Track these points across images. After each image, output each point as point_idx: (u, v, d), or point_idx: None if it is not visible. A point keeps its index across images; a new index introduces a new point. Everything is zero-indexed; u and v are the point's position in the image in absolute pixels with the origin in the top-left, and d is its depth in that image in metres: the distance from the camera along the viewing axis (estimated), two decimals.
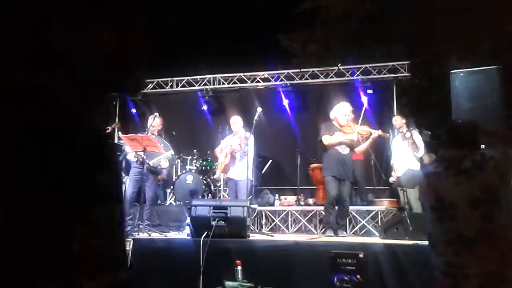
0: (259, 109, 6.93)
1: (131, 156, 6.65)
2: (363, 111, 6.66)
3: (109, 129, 8.07)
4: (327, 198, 6.14)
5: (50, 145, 0.74)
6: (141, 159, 6.44)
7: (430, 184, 2.56)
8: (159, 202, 8.44)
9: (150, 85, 10.24)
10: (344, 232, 6.14)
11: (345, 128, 6.16)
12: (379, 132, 6.21)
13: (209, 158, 8.07)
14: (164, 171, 8.59)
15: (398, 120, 6.95)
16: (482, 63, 5.50)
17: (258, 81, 9.80)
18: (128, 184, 6.65)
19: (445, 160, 2.56)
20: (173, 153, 7.06)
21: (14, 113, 0.73)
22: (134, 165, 6.64)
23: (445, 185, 2.47)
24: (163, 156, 6.68)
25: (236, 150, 6.83)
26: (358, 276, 4.13)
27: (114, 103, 10.25)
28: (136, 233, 5.91)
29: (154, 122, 6.90)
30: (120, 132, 7.91)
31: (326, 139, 6.08)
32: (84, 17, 0.83)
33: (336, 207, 6.06)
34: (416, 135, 6.64)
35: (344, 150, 6.07)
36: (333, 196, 5.96)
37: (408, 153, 6.72)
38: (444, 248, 2.45)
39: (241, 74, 9.84)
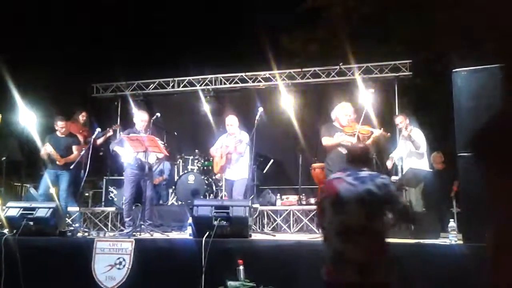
0: (261, 109, 6.91)
1: (126, 158, 6.59)
2: (364, 110, 6.63)
3: (111, 131, 8.09)
4: None
5: None
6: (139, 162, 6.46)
7: (334, 185, 3.14)
8: (161, 202, 8.45)
9: (151, 85, 10.26)
10: None
11: (346, 128, 6.13)
12: (381, 131, 6.19)
13: (211, 158, 8.07)
14: (165, 171, 8.61)
15: (400, 119, 6.92)
16: (484, 62, 5.47)
17: (259, 81, 9.80)
18: (125, 186, 6.62)
19: (348, 169, 3.24)
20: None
21: None
22: (129, 166, 6.58)
23: (345, 187, 3.07)
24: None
25: (231, 152, 6.74)
26: None
27: (116, 103, 10.28)
28: (138, 233, 5.91)
29: (142, 117, 6.80)
30: (121, 133, 7.91)
31: (326, 141, 6.07)
32: None
33: None
34: (417, 132, 6.61)
35: (346, 150, 6.04)
36: None
37: (409, 151, 6.69)
38: (335, 239, 3.00)
39: (243, 74, 9.85)
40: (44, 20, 11.26)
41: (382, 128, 6.21)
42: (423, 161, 6.63)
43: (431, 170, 7.13)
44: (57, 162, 7.11)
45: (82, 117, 8.38)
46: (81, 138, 7.83)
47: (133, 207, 6.72)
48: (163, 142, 7.61)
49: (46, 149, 7.09)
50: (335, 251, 2.97)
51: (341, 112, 6.21)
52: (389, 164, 7.04)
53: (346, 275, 2.86)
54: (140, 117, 6.75)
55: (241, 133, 6.89)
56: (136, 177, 6.53)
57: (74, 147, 7.30)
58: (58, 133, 7.32)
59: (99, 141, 8.00)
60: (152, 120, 6.88)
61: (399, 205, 3.11)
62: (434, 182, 6.86)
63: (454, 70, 5.37)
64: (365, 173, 3.12)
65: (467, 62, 5.64)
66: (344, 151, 6.01)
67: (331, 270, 2.95)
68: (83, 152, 6.97)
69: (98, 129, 7.36)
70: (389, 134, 6.52)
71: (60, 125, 7.28)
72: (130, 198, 6.56)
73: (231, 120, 6.95)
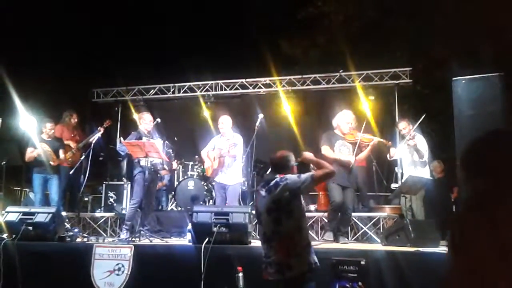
0: (261, 115, 6.92)
1: (144, 162, 6.38)
2: (366, 119, 6.63)
3: (102, 129, 8.04)
4: (331, 204, 6.09)
5: None
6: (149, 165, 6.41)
7: (255, 198, 3.64)
8: (160, 207, 8.44)
9: (152, 90, 10.27)
10: (346, 239, 6.12)
11: (347, 136, 6.14)
12: (381, 140, 6.20)
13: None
14: (165, 177, 8.60)
15: (403, 125, 6.82)
16: (484, 70, 5.49)
17: (260, 87, 9.81)
18: (137, 190, 6.42)
19: (263, 181, 3.68)
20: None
21: None
22: (143, 169, 6.35)
23: (259, 198, 3.58)
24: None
25: (225, 155, 6.61)
26: (360, 283, 4.12)
27: (116, 109, 10.28)
28: (138, 239, 5.90)
29: (151, 118, 6.79)
30: (122, 138, 7.89)
31: (325, 150, 6.06)
32: None
33: (339, 214, 6.04)
34: (420, 140, 6.59)
35: (347, 158, 6.04)
36: (338, 203, 5.92)
37: (410, 159, 6.67)
38: (261, 244, 3.50)
39: (243, 80, 9.86)
40: (45, 24, 11.29)
41: (382, 135, 6.22)
42: (426, 170, 6.60)
43: (432, 178, 7.12)
44: (51, 163, 7.07)
45: (73, 119, 8.19)
46: (73, 143, 7.77)
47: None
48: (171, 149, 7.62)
49: (42, 148, 7.04)
50: (262, 255, 3.46)
51: (342, 119, 6.21)
52: (388, 157, 6.90)
53: (270, 274, 3.33)
54: (148, 118, 6.75)
55: (234, 135, 6.82)
56: (147, 182, 6.37)
57: (61, 151, 7.28)
58: (44, 136, 7.26)
59: (92, 139, 7.81)
60: (152, 125, 6.86)
61: (299, 183, 3.40)
62: (434, 190, 6.85)
63: (454, 78, 5.40)
64: (274, 181, 3.48)
65: (467, 70, 5.66)
66: (338, 167, 6.01)
67: (263, 270, 3.43)
68: (83, 157, 6.97)
69: (98, 134, 7.36)
70: (390, 142, 6.52)
71: (49, 127, 7.24)
72: (139, 202, 6.41)
73: (224, 119, 6.85)
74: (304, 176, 3.46)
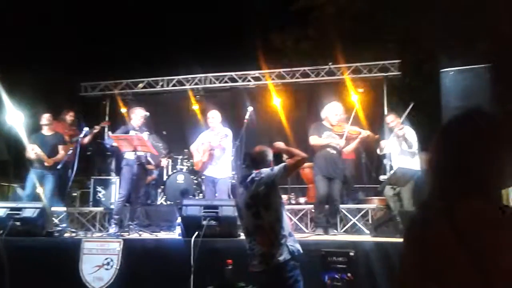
0: (250, 108, 6.90)
1: (129, 155, 6.45)
2: (354, 110, 6.66)
3: (98, 128, 8.01)
4: (316, 197, 6.17)
5: None
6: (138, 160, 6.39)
7: (235, 194, 3.91)
8: (149, 202, 8.40)
9: (140, 84, 10.19)
10: (335, 231, 6.14)
11: (335, 127, 6.17)
12: (369, 132, 6.22)
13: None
14: (154, 171, 8.56)
15: (391, 118, 6.88)
16: (473, 62, 5.52)
17: (249, 80, 9.78)
18: (123, 184, 6.49)
19: (241, 177, 3.83)
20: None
21: None
22: (129, 163, 6.41)
23: (238, 195, 3.78)
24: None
25: (215, 147, 6.61)
26: (349, 274, 4.15)
27: (104, 102, 10.20)
28: (127, 233, 5.87)
29: (142, 113, 6.77)
30: (110, 132, 7.83)
31: (313, 140, 6.10)
32: None
33: (326, 206, 6.08)
34: (410, 131, 6.63)
35: (334, 150, 6.08)
36: (322, 195, 6.00)
37: (399, 149, 6.71)
38: (245, 238, 3.62)
39: (232, 73, 9.83)
40: (31, 18, 11.14)
41: (370, 128, 6.24)
42: (415, 160, 6.65)
43: (419, 169, 7.16)
44: (45, 163, 7.03)
45: (69, 116, 8.27)
46: (66, 137, 7.74)
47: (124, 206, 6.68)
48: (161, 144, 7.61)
49: (34, 150, 7.00)
50: (247, 247, 3.55)
51: (331, 111, 6.24)
52: (378, 151, 6.97)
53: (254, 266, 3.43)
54: (140, 113, 6.72)
55: (223, 129, 6.79)
56: (134, 175, 6.34)
57: (60, 147, 7.22)
58: (44, 131, 7.23)
59: (86, 139, 7.85)
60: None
61: (273, 176, 3.47)
62: (424, 181, 6.88)
63: (442, 70, 5.43)
64: (250, 177, 3.57)
65: (456, 62, 5.70)
66: (332, 150, 6.06)
67: (249, 263, 3.51)
68: (70, 151, 6.91)
69: (86, 129, 7.29)
70: (377, 136, 6.55)
71: (46, 117, 7.20)
72: (126, 196, 6.42)
73: (213, 114, 6.84)
74: (276, 168, 3.53)
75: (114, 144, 6.63)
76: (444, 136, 1.36)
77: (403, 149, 6.59)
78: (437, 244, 1.21)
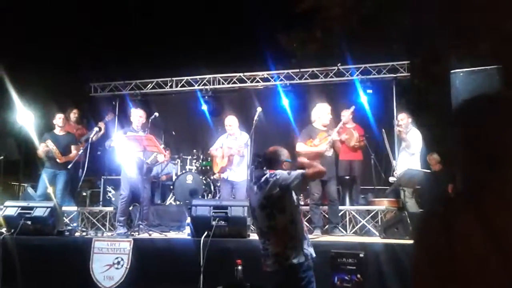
0: (259, 109, 6.91)
1: (123, 157, 6.55)
2: (350, 110, 6.78)
3: (102, 124, 8.05)
4: (310, 199, 6.25)
5: None
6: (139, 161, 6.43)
7: (248, 195, 3.83)
8: (158, 202, 8.44)
9: (149, 85, 10.24)
10: (343, 232, 6.14)
11: (320, 134, 6.22)
12: (334, 137, 6.21)
13: (209, 158, 8.06)
14: (168, 170, 8.60)
15: (402, 116, 6.89)
16: (482, 63, 5.48)
17: (257, 81, 9.79)
18: (123, 184, 6.59)
19: (254, 177, 3.76)
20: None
21: None
22: (127, 164, 6.52)
23: (252, 195, 3.68)
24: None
25: (235, 154, 6.77)
26: (359, 276, 4.14)
27: (114, 103, 10.26)
28: (136, 233, 5.90)
29: (139, 113, 6.80)
30: (116, 131, 7.87)
31: (299, 147, 6.16)
32: None
33: (321, 207, 6.22)
34: (413, 133, 6.62)
35: (327, 152, 6.12)
36: (316, 197, 6.14)
37: (401, 147, 6.73)
38: (258, 239, 3.59)
39: (241, 74, 9.84)
40: (42, 18, 11.23)
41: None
42: (414, 160, 6.63)
43: (428, 171, 7.14)
44: (57, 160, 7.09)
45: (73, 114, 8.28)
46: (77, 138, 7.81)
47: (131, 207, 6.71)
48: (161, 143, 7.63)
49: (47, 145, 7.06)
50: (260, 247, 3.54)
51: (323, 111, 6.34)
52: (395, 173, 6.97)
53: (268, 265, 3.42)
54: (136, 113, 6.75)
55: (241, 133, 6.91)
56: (134, 176, 6.45)
57: (72, 147, 7.29)
58: (56, 131, 7.30)
59: (95, 137, 7.87)
60: (150, 120, 6.86)
61: (289, 180, 3.38)
62: (431, 183, 6.87)
63: (452, 71, 5.39)
64: (264, 177, 3.52)
65: (465, 63, 5.66)
66: (326, 153, 6.08)
67: (263, 263, 3.49)
68: (81, 151, 6.96)
69: (96, 129, 7.35)
70: (364, 141, 6.65)
71: (58, 117, 7.28)
72: (128, 196, 6.51)
73: (231, 121, 6.95)
74: (294, 173, 3.43)
75: (112, 145, 6.72)
76: (465, 124, 1.24)
77: (402, 147, 6.64)
78: (462, 243, 1.07)
